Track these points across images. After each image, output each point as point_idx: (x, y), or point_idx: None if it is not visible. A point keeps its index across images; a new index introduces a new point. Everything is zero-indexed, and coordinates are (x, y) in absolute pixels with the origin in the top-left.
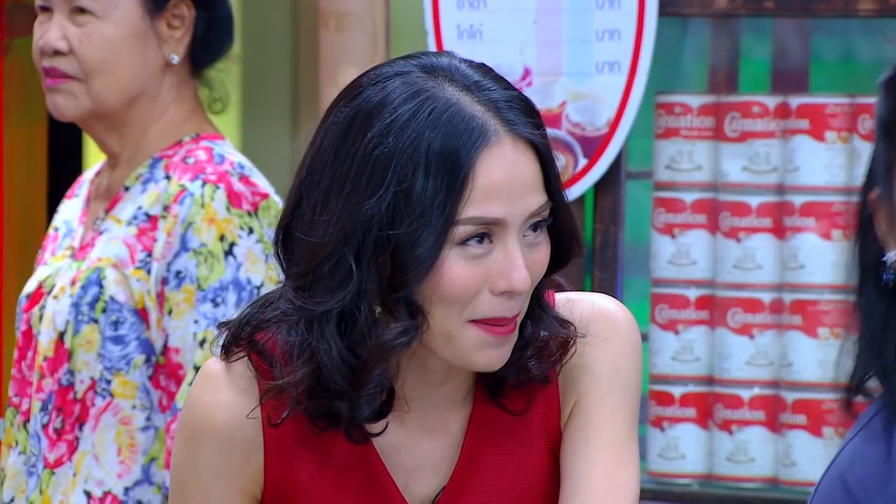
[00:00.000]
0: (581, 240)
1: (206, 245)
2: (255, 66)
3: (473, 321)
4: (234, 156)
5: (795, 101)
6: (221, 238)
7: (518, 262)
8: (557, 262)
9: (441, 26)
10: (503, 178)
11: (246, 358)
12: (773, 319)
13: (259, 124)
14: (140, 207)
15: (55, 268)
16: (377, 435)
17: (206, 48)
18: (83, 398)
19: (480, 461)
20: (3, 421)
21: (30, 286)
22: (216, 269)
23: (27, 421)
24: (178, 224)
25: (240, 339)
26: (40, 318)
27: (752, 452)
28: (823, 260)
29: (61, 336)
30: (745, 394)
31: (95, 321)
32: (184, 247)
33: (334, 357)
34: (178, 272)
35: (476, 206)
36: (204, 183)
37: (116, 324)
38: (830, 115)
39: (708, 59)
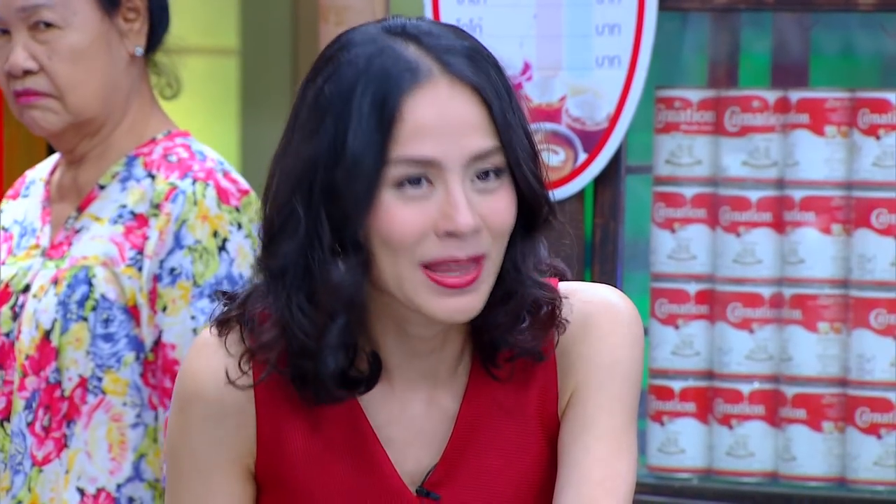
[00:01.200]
0: (550, 199)
1: (201, 241)
2: (255, 61)
3: (425, 266)
4: (212, 153)
5: (795, 95)
6: (215, 234)
7: (460, 204)
8: (527, 222)
9: (441, 20)
10: (434, 118)
11: (238, 329)
12: (773, 314)
13: (259, 118)
14: (124, 206)
15: (21, 267)
16: (357, 392)
17: (153, 33)
18: (71, 395)
19: (474, 440)
20: None
21: None
22: (211, 264)
23: (5, 419)
24: (172, 222)
25: (231, 312)
26: (13, 316)
27: (752, 447)
28: (823, 254)
29: (47, 334)
30: (745, 388)
31: (84, 319)
32: (178, 244)
33: (294, 310)
34: (173, 269)
35: (406, 145)
36: (194, 180)
37: (107, 321)
38: (830, 110)
39: (708, 54)
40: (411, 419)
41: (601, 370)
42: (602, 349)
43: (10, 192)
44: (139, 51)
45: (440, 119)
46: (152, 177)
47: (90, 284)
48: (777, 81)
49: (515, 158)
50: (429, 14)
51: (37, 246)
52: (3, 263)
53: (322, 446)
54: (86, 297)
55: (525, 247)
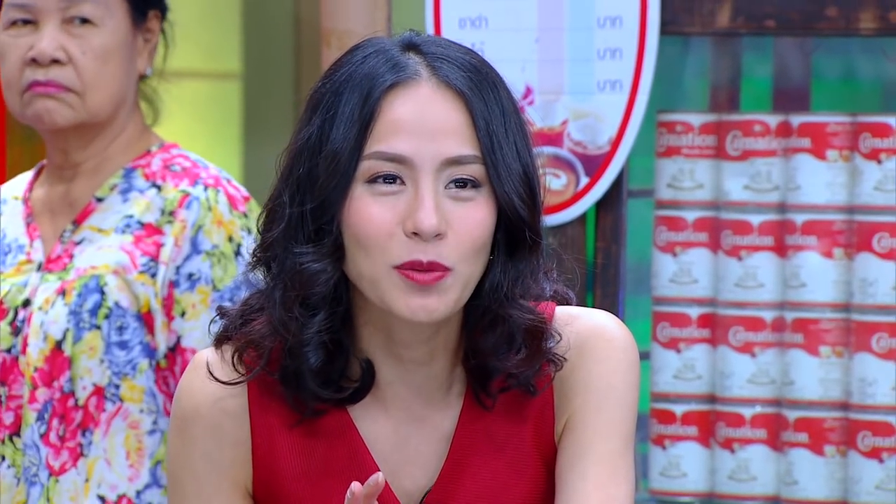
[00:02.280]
0: (536, 225)
1: (218, 247)
2: (257, 85)
3: (397, 268)
4: (208, 161)
5: (797, 119)
6: (230, 239)
7: (426, 204)
8: (510, 245)
9: None
10: (411, 117)
11: (235, 346)
12: (775, 338)
13: (261, 142)
14: (130, 216)
15: (13, 283)
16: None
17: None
18: (85, 404)
19: (470, 462)
20: None
21: None
22: (229, 269)
23: (14, 434)
24: (188, 228)
25: (230, 328)
26: (13, 332)
27: (754, 471)
28: (825, 278)
29: (58, 345)
30: (747, 412)
31: (98, 327)
32: (195, 249)
33: (277, 301)
34: (191, 274)
35: (381, 140)
36: (206, 187)
37: (121, 329)
38: (832, 134)
39: (709, 78)
40: (406, 438)
41: (597, 396)
42: (598, 375)
43: None
44: (149, 71)
45: (418, 118)
46: (158, 187)
47: (102, 293)
48: (778, 106)
49: (497, 174)
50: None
51: (29, 261)
52: None
53: (317, 464)
54: (98, 306)
55: (508, 270)
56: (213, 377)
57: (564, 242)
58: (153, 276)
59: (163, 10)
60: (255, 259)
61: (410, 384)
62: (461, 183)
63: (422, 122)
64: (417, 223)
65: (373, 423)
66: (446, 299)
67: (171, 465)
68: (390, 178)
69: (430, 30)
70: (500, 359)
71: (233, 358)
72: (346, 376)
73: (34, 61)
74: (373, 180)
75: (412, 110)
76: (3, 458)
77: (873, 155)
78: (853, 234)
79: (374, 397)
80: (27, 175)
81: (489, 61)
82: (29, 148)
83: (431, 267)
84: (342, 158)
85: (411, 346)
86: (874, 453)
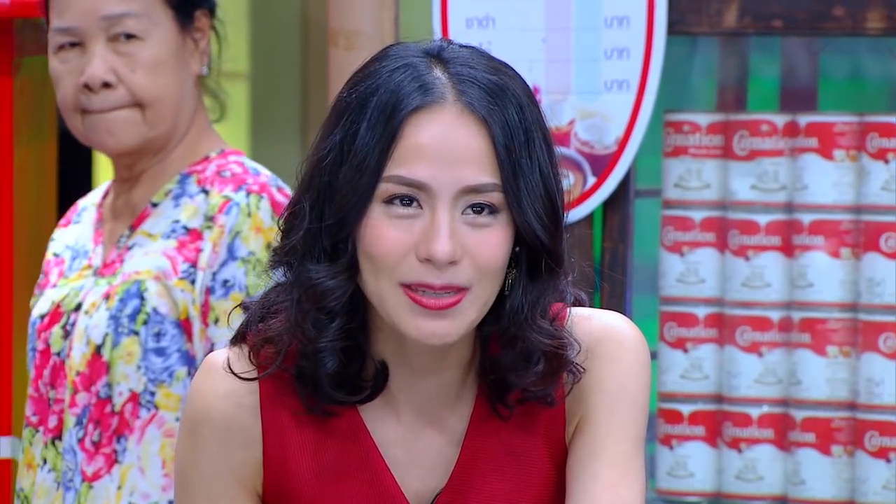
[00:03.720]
0: (557, 250)
1: (255, 253)
2: (264, 85)
3: (404, 286)
4: (265, 170)
5: (804, 119)
6: (268, 246)
7: (441, 232)
8: (530, 268)
9: None
10: (433, 143)
11: (253, 342)
12: (782, 337)
13: (268, 143)
14: (177, 221)
15: (72, 287)
16: (360, 399)
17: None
18: (121, 410)
19: (481, 464)
20: (12, 439)
21: (43, 307)
22: (264, 277)
23: (57, 438)
24: (226, 234)
25: (251, 321)
26: (64, 335)
27: (761, 470)
28: (832, 278)
29: (98, 349)
30: (754, 412)
31: (136, 333)
32: (231, 256)
33: (293, 307)
34: (226, 281)
35: (402, 164)
36: (248, 193)
37: (158, 335)
38: (839, 134)
39: (716, 78)
40: (416, 441)
41: (608, 397)
42: (609, 376)
43: (62, 221)
44: (205, 70)
45: (440, 144)
46: (206, 192)
47: (142, 298)
48: (786, 105)
49: (517, 201)
50: (437, 37)
51: (89, 266)
52: (54, 286)
53: (328, 466)
54: (137, 311)
55: (528, 292)
56: (231, 371)
57: (571, 242)
58: (192, 282)
59: (210, 8)
60: (274, 260)
61: (422, 389)
62: (478, 208)
63: (443, 148)
64: (431, 250)
65: (384, 425)
66: (461, 323)
67: (179, 466)
68: (407, 201)
69: (438, 30)
70: (519, 375)
71: (249, 354)
72: (361, 377)
73: (87, 87)
74: (390, 201)
75: (434, 137)
76: (45, 462)
77: (880, 155)
78: (860, 234)
79: (385, 400)
80: (106, 184)
81: (518, 74)
82: (36, 148)
83: (445, 289)
84: (362, 179)
85: (423, 356)
86: (881, 453)
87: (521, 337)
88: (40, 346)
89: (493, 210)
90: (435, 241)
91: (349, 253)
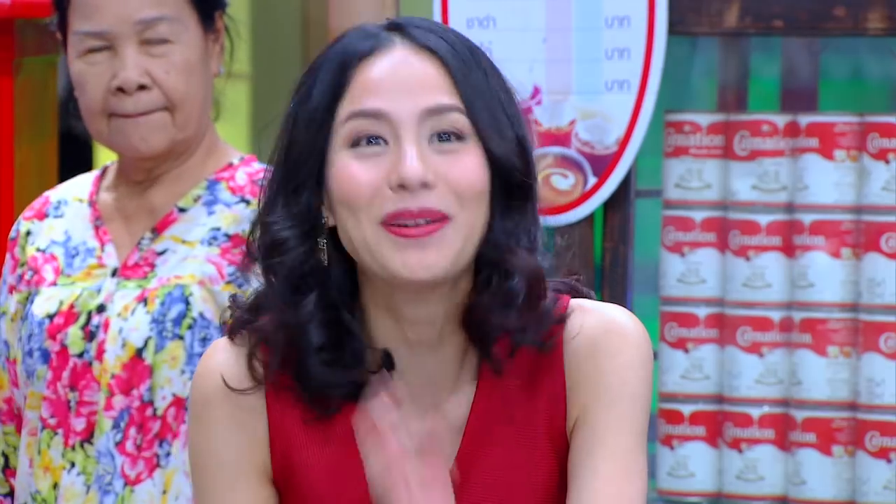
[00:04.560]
0: (528, 168)
1: None
2: (265, 85)
3: (384, 224)
4: None
5: (805, 119)
6: None
7: (408, 154)
8: (506, 193)
9: None
10: (384, 75)
11: (249, 344)
12: (783, 338)
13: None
14: (217, 228)
15: (85, 287)
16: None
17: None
18: (164, 415)
19: (483, 453)
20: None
21: (49, 306)
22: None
23: (86, 441)
24: None
25: (241, 318)
26: (85, 337)
27: (762, 471)
28: (833, 278)
29: (139, 353)
30: (755, 412)
31: (181, 337)
32: None
33: (274, 280)
34: None
35: (355, 101)
36: None
37: (204, 340)
38: (840, 134)
39: (717, 78)
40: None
41: (610, 390)
42: (611, 369)
43: (27, 213)
44: (222, 70)
45: (391, 76)
46: (246, 202)
47: (187, 303)
48: (786, 106)
49: (480, 121)
50: None
51: (100, 265)
52: (54, 284)
53: (331, 456)
54: (182, 316)
55: (506, 219)
56: (228, 386)
57: (572, 242)
58: (240, 286)
59: (223, 7)
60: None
61: (422, 372)
62: (445, 136)
63: (395, 80)
64: (401, 173)
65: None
66: (446, 252)
67: (192, 451)
68: (373, 139)
69: None
70: (499, 315)
71: (248, 358)
72: (363, 368)
73: (120, 90)
74: (356, 143)
75: (386, 69)
76: (73, 465)
77: (881, 155)
78: (861, 235)
79: (386, 389)
80: (86, 177)
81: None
82: (37, 148)
83: (423, 214)
84: (320, 125)
85: (418, 325)
86: (882, 453)
87: (499, 263)
88: (55, 346)
89: (459, 136)
90: (404, 164)
91: (305, 201)
